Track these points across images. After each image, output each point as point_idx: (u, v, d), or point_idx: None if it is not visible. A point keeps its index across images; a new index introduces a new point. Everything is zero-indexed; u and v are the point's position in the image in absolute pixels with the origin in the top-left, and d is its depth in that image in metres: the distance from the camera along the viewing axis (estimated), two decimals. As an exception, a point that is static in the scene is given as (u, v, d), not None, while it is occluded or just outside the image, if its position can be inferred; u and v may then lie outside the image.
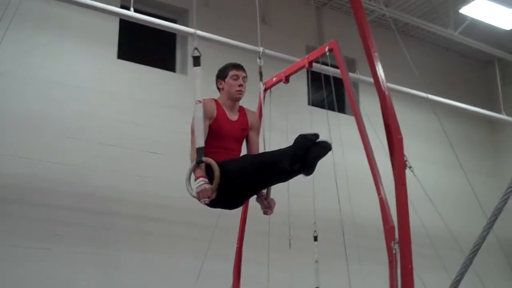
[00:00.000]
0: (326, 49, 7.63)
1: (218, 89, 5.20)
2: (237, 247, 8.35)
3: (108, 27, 10.45)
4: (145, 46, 11.33)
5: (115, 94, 10.20)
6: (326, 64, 8.19)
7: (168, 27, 9.93)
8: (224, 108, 5.08)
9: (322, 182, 9.41)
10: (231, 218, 7.47)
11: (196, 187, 4.56)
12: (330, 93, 8.35)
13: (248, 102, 7.71)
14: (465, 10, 12.61)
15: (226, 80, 5.07)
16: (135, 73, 10.61)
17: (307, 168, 4.91)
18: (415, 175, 5.76)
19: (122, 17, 9.90)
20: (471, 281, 7.74)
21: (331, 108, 9.90)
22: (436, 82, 13.85)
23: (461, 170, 7.47)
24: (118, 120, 10.07)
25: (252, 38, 8.55)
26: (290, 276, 8.79)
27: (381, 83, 6.24)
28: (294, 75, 8.51)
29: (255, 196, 5.36)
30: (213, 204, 4.73)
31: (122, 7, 9.94)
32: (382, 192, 5.96)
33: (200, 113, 4.73)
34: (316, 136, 4.84)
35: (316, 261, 8.14)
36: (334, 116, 9.46)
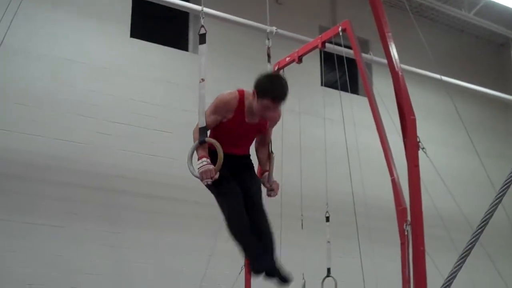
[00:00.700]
0: (340, 29, 7.60)
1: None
2: (248, 227, 8.36)
3: (121, 5, 10.43)
4: (158, 25, 11.29)
5: (127, 73, 10.19)
6: (339, 45, 8.15)
7: (179, 5, 9.88)
8: (246, 110, 4.70)
9: (334, 163, 9.43)
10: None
11: (199, 168, 4.45)
12: (343, 74, 8.33)
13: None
14: (480, -9, 12.50)
15: (259, 100, 4.50)
16: (147, 52, 10.59)
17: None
18: (428, 156, 5.74)
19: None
20: (483, 263, 7.75)
21: (344, 89, 9.86)
22: (450, 64, 13.76)
23: (473, 152, 7.43)
24: (130, 99, 10.07)
25: (265, 17, 8.51)
26: (302, 257, 8.80)
27: (394, 63, 6.21)
28: (307, 56, 8.48)
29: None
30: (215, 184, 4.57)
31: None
32: (394, 173, 5.96)
33: (203, 91, 4.67)
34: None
35: (328, 242, 8.16)
36: (347, 97, 9.44)
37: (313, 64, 11.50)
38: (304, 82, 11.34)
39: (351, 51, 7.65)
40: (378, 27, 6.37)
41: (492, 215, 2.85)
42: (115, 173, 9.65)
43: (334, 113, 9.55)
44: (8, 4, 5.78)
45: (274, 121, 5.09)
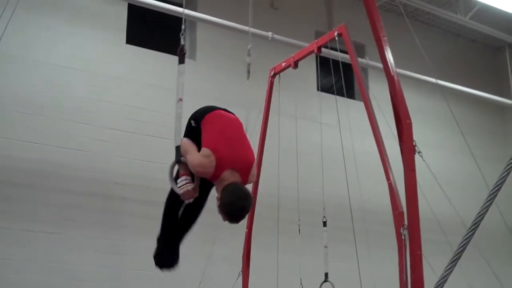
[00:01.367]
0: (335, 34, 7.62)
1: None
2: (246, 232, 8.37)
3: (117, 12, 10.43)
4: (153, 31, 11.30)
5: (123, 79, 10.20)
6: (335, 49, 8.17)
7: (174, 11, 9.90)
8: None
9: (331, 168, 9.44)
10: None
11: (179, 187, 4.50)
12: (339, 78, 8.34)
13: (255, 88, 7.75)
14: (475, -5, 12.52)
15: (220, 212, 4.41)
16: (143, 58, 10.60)
17: None
18: (424, 160, 5.74)
19: (131, 2, 9.89)
20: (479, 266, 7.76)
21: (340, 93, 9.86)
22: (446, 68, 13.78)
23: (470, 156, 7.44)
24: (126, 105, 10.07)
25: (260, 23, 8.54)
26: (299, 262, 8.80)
27: (390, 67, 6.22)
28: (303, 61, 8.50)
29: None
30: None
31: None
32: (391, 178, 5.95)
33: (179, 110, 4.70)
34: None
35: (325, 247, 8.17)
36: (343, 101, 9.44)
37: (309, 69, 11.50)
38: (300, 87, 11.36)
39: (347, 56, 7.67)
40: (374, 31, 6.38)
41: (483, 217, 2.88)
42: (113, 179, 9.65)
43: (330, 117, 9.55)
44: (3, 11, 5.78)
45: None
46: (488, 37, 14.92)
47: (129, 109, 10.08)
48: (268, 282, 8.84)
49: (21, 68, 9.30)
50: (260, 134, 8.62)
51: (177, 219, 5.32)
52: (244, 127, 4.84)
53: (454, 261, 2.97)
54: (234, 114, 4.91)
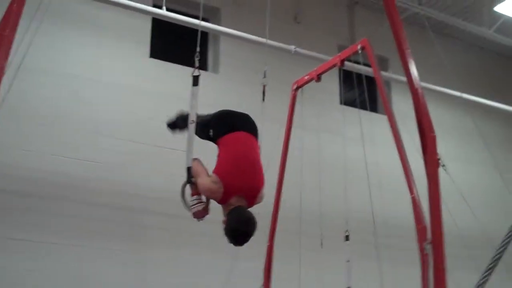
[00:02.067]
0: (358, 47, 7.60)
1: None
2: (268, 245, 8.34)
3: (141, 25, 10.50)
4: (177, 45, 11.34)
5: (146, 93, 10.24)
6: (358, 63, 8.15)
7: (196, 25, 9.93)
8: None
9: (354, 182, 9.39)
10: (262, 217, 7.42)
11: (191, 207, 4.71)
12: (362, 92, 8.31)
13: (279, 101, 7.74)
14: (499, 8, 12.43)
15: (226, 234, 4.58)
16: (167, 72, 10.64)
17: None
18: (448, 174, 5.69)
19: (155, 16, 9.95)
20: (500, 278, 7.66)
21: (363, 107, 9.84)
22: (470, 81, 13.69)
23: (494, 169, 7.39)
24: (150, 118, 10.10)
25: (283, 36, 8.54)
26: (321, 276, 8.76)
27: (414, 80, 6.18)
28: (326, 74, 8.48)
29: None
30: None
31: (155, 6, 10.00)
32: (414, 191, 5.91)
33: (193, 133, 4.75)
34: None
35: (348, 261, 8.10)
36: (366, 115, 9.43)
37: (332, 83, 11.50)
38: (323, 100, 11.34)
39: (370, 69, 7.64)
40: (397, 44, 6.34)
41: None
42: (135, 192, 9.67)
43: (353, 131, 9.52)
44: (29, 24, 5.83)
45: None
46: (512, 50, 14.83)
47: (152, 122, 10.11)
48: (291, 296, 8.80)
49: (45, 80, 9.38)
50: (283, 148, 8.61)
51: None
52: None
53: (485, 276, 2.93)
54: (253, 125, 4.91)
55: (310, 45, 10.86)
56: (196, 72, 4.91)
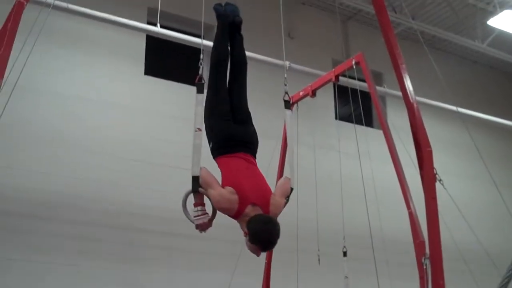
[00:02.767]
0: (353, 62, 7.61)
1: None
2: (266, 263, 8.30)
3: (135, 43, 10.50)
4: (172, 62, 11.35)
5: (141, 110, 10.23)
6: (353, 78, 8.15)
7: (190, 41, 9.94)
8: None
9: (350, 197, 9.36)
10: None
11: (194, 217, 4.46)
12: (357, 106, 8.31)
13: (273, 118, 7.70)
14: (492, 22, 12.49)
15: (250, 243, 4.36)
16: (161, 89, 10.64)
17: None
18: (445, 188, 5.67)
19: (149, 33, 9.95)
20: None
21: (358, 122, 9.83)
22: (465, 95, 13.73)
23: (490, 183, 7.35)
24: (145, 136, 10.09)
25: (278, 52, 8.50)
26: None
27: (409, 95, 6.18)
28: (320, 89, 8.48)
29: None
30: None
31: (149, 23, 10.00)
32: (411, 206, 5.89)
33: (198, 141, 4.61)
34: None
35: (346, 277, 8.06)
36: (362, 130, 9.40)
37: (327, 98, 11.50)
38: (319, 116, 11.32)
39: (365, 84, 7.64)
40: (392, 59, 6.35)
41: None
42: (130, 210, 9.62)
43: (349, 146, 9.51)
44: (24, 43, 5.83)
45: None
46: (506, 64, 14.87)
47: (147, 139, 10.10)
48: (288, 313, 8.75)
49: (38, 99, 9.36)
50: (279, 164, 8.59)
51: None
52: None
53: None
54: (255, 145, 4.84)
55: (305, 60, 10.87)
56: (200, 80, 4.84)
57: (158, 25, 9.39)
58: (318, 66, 10.94)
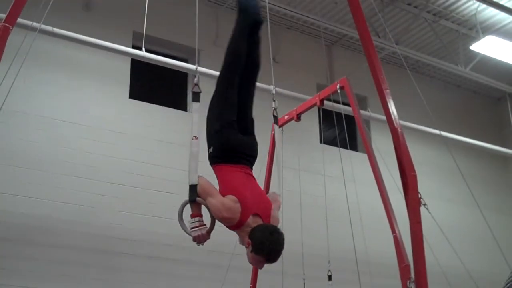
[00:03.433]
0: (338, 86, 7.65)
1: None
2: (250, 287, 8.27)
3: (120, 67, 10.51)
4: (157, 86, 11.37)
5: (126, 134, 10.22)
6: (338, 102, 8.19)
7: (176, 66, 9.98)
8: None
9: (335, 221, 9.39)
10: (244, 258, 7.35)
11: (191, 228, 4.26)
12: (341, 130, 8.34)
13: (258, 141, 7.65)
14: (475, 47, 12.61)
15: (253, 254, 4.19)
16: (146, 113, 10.64)
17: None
18: (430, 213, 5.68)
19: (134, 57, 9.96)
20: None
21: (343, 146, 9.87)
22: (448, 119, 13.81)
23: (474, 207, 7.38)
24: (129, 159, 10.08)
25: (262, 76, 8.54)
26: (304, 317, 8.67)
27: (393, 120, 6.20)
28: (305, 113, 8.51)
29: None
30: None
31: (134, 47, 10.02)
32: (396, 230, 5.90)
33: (195, 149, 4.50)
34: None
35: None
36: (346, 153, 9.44)
37: (311, 122, 11.54)
38: (303, 139, 11.37)
39: (349, 108, 7.68)
40: (376, 84, 6.38)
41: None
42: (115, 234, 9.58)
43: (334, 170, 9.54)
44: (9, 68, 5.81)
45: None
46: (489, 88, 15.01)
47: (132, 163, 10.08)
48: (273, 338, 8.70)
49: (22, 123, 9.33)
50: (264, 188, 8.58)
51: None
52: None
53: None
54: (254, 158, 4.77)
55: (289, 84, 10.91)
56: (196, 89, 4.69)
57: (143, 49, 9.42)
58: (303, 90, 10.99)
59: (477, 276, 7.39)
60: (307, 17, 12.29)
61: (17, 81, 7.47)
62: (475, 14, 12.49)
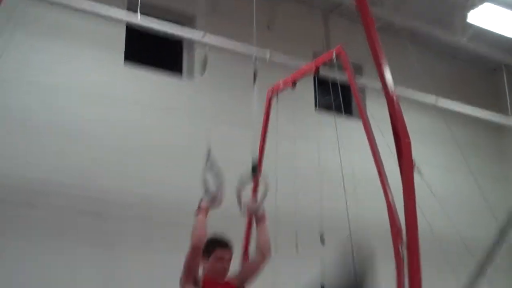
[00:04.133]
0: (333, 54, 7.65)
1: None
2: (243, 251, 8.34)
3: (115, 32, 10.48)
4: (152, 51, 11.34)
5: (121, 99, 10.23)
6: (333, 70, 8.20)
7: (174, 31, 9.96)
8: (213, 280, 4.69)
9: (329, 186, 9.43)
10: (237, 220, 7.42)
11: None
12: (337, 97, 8.37)
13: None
14: (472, 16, 12.57)
15: (212, 257, 4.61)
16: (141, 78, 10.64)
17: None
18: (423, 179, 5.73)
19: (129, 23, 9.93)
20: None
21: (338, 112, 9.89)
22: (444, 88, 13.81)
23: (467, 174, 7.46)
24: (124, 124, 10.11)
25: (258, 43, 8.55)
26: (297, 281, 8.76)
27: (389, 87, 6.22)
28: (301, 81, 8.51)
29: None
30: None
31: (129, 9, 10.00)
32: (389, 195, 5.96)
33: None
34: None
35: (322, 261, 8.08)
36: (341, 120, 9.45)
37: (307, 89, 11.54)
38: (298, 106, 11.36)
39: (345, 76, 7.70)
40: (372, 51, 6.39)
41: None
42: (108, 197, 9.66)
43: (329, 136, 9.57)
44: (1, 33, 5.81)
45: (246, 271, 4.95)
46: (485, 58, 14.99)
47: (125, 128, 10.10)
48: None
49: (18, 90, 9.34)
50: (258, 154, 8.62)
51: None
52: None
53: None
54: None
55: (285, 52, 10.90)
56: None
57: (139, 14, 9.39)
58: (299, 58, 10.98)
59: (469, 242, 7.50)
60: (304, -16, 12.24)
61: (11, 48, 7.51)
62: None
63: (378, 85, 6.49)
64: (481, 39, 13.57)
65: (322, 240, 8.11)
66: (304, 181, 10.07)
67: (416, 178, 5.85)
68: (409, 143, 5.92)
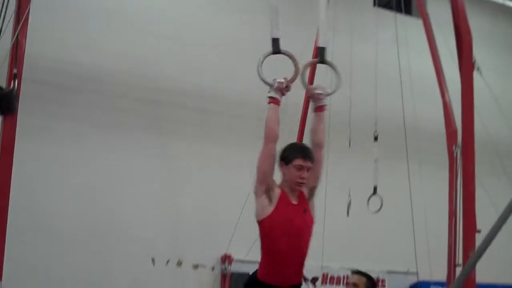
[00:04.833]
0: None
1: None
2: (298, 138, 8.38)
3: None
4: None
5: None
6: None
7: None
8: (287, 192, 4.30)
9: (385, 85, 9.31)
10: (292, 113, 7.39)
11: (274, 80, 4.19)
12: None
13: (309, 2, 7.52)
14: None
15: (290, 166, 4.23)
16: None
17: None
18: (482, 77, 5.61)
19: None
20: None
21: (397, 9, 9.64)
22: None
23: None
24: (181, 15, 10.05)
25: None
26: (348, 175, 8.80)
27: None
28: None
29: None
30: None
31: None
32: (446, 95, 5.88)
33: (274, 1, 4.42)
34: None
35: (375, 161, 8.08)
36: (400, 18, 9.23)
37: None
38: (356, 1, 11.10)
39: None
40: None
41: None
42: (166, 86, 9.72)
43: (387, 34, 9.38)
44: None
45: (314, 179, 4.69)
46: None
47: (183, 19, 10.05)
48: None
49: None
50: (314, 50, 8.53)
51: None
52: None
53: None
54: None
55: None
56: None
57: None
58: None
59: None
60: None
61: None
62: None
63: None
64: None
65: (376, 137, 8.06)
66: (360, 79, 9.94)
67: (475, 81, 5.74)
68: (471, 41, 5.79)
